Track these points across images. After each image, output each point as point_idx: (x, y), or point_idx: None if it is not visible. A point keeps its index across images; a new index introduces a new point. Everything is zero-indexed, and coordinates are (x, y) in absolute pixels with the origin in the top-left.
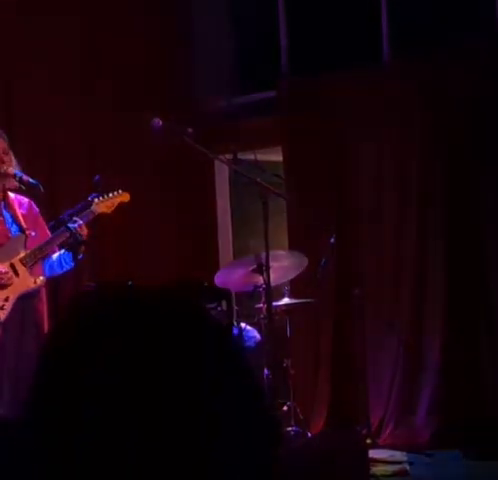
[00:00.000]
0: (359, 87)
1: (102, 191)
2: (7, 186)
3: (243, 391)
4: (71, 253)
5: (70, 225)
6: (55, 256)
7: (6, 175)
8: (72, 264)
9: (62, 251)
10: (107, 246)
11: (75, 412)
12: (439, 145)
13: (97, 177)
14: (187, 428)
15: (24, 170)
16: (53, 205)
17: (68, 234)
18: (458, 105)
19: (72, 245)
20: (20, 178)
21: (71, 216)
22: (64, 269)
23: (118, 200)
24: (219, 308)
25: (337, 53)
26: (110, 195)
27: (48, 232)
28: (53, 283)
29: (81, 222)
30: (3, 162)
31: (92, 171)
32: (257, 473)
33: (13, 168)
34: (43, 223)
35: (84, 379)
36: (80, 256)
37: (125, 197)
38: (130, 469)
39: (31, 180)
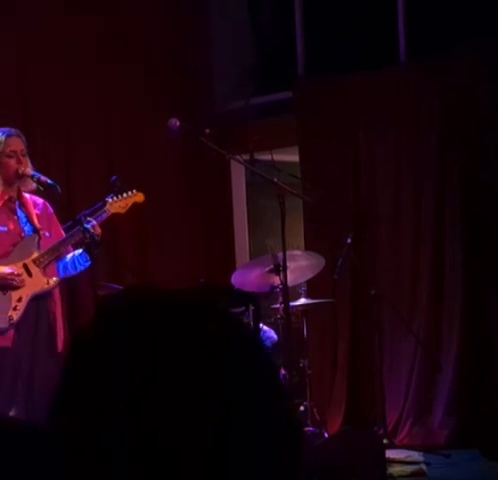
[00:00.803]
0: (376, 88)
1: (119, 191)
2: (24, 188)
3: (269, 393)
4: (88, 254)
5: (85, 226)
6: (69, 257)
7: (23, 176)
8: (86, 265)
9: (76, 252)
10: (123, 246)
11: (102, 416)
12: (456, 146)
13: (114, 177)
14: (212, 431)
15: (41, 171)
16: (70, 206)
17: (82, 234)
18: (475, 107)
19: (90, 245)
20: (38, 179)
21: (93, 214)
22: (78, 270)
23: (132, 200)
24: (246, 312)
25: (354, 54)
26: (124, 195)
27: (62, 233)
28: (70, 283)
29: (95, 222)
30: (21, 163)
31: (109, 172)
32: (282, 474)
33: (30, 169)
34: (57, 223)
35: (111, 383)
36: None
37: (139, 197)
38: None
39: (49, 181)
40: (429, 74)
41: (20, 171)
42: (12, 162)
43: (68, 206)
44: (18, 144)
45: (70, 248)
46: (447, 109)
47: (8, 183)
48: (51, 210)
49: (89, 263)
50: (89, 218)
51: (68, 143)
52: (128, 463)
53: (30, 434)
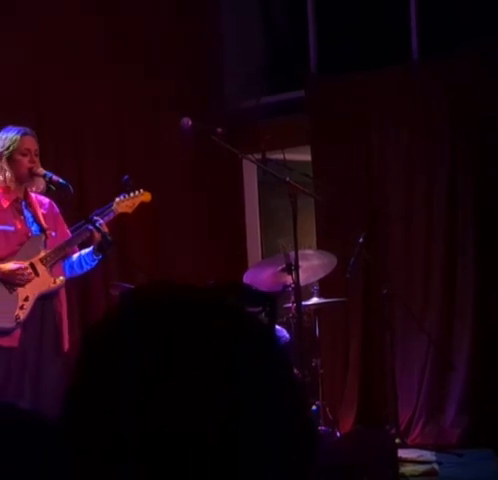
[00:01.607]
0: (388, 86)
1: (130, 191)
2: (31, 188)
3: (280, 391)
4: (100, 253)
5: (91, 226)
6: (75, 256)
7: (35, 175)
8: (93, 264)
9: (83, 251)
10: (135, 245)
11: (111, 414)
12: (468, 144)
13: (126, 177)
14: (221, 429)
15: (53, 170)
16: (82, 205)
17: (88, 234)
18: (487, 105)
19: (102, 245)
20: (50, 178)
21: (101, 214)
22: (84, 269)
23: (139, 200)
24: (264, 312)
25: (366, 52)
26: (131, 195)
27: (68, 232)
28: (82, 283)
29: (101, 221)
30: (34, 162)
31: (121, 171)
32: (292, 473)
33: (42, 169)
34: (63, 223)
35: (121, 381)
36: (101, 257)
37: (146, 197)
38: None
39: (61, 180)
40: (441, 72)
41: (33, 170)
42: (26, 160)
43: (80, 205)
44: (32, 143)
45: (76, 248)
46: (459, 107)
47: (19, 181)
48: (57, 210)
49: (96, 263)
50: (95, 218)
51: (80, 143)
52: (135, 462)
53: (32, 426)
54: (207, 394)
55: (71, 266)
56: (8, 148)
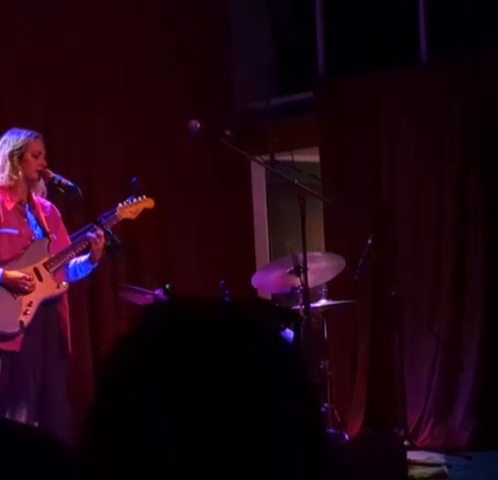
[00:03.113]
0: (396, 87)
1: (139, 193)
2: (34, 192)
3: (294, 406)
4: (93, 262)
5: (88, 234)
6: (71, 263)
7: (45, 177)
8: (87, 273)
9: (78, 259)
10: (143, 247)
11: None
12: (478, 145)
13: (134, 179)
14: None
15: (61, 173)
16: (90, 208)
17: (87, 243)
18: (497, 104)
19: (110, 248)
20: (59, 181)
21: (106, 218)
22: (78, 277)
23: (142, 206)
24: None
25: (374, 53)
26: (134, 201)
27: (68, 238)
28: (91, 285)
29: (100, 232)
30: (44, 165)
31: (129, 173)
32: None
33: (51, 171)
34: (64, 228)
35: (146, 395)
36: (95, 265)
37: (149, 203)
38: None
39: (70, 183)
40: (450, 73)
41: (43, 172)
42: (36, 162)
43: (88, 208)
44: (42, 147)
45: (73, 254)
46: (468, 107)
47: (28, 182)
48: (58, 214)
49: (90, 271)
50: (95, 227)
51: (88, 145)
52: (154, 472)
53: (29, 439)
54: (221, 405)
55: (67, 273)
56: (20, 148)
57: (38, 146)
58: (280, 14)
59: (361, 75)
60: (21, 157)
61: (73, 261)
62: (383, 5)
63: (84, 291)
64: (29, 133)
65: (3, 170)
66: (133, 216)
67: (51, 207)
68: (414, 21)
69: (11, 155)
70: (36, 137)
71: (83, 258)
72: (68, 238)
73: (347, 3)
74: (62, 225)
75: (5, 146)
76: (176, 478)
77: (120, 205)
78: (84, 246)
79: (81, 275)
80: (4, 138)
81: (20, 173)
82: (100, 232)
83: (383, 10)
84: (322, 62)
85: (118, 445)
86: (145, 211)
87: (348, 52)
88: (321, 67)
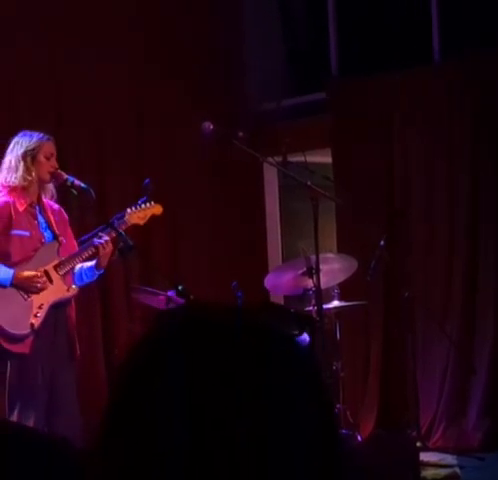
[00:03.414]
0: (409, 87)
1: (151, 195)
2: (44, 194)
3: (309, 414)
4: (99, 268)
5: (95, 240)
6: (77, 268)
7: (58, 178)
8: (92, 279)
9: (84, 265)
10: (156, 249)
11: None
12: (491, 144)
13: (147, 181)
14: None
15: (74, 175)
16: (103, 209)
17: (93, 249)
18: None
19: (123, 249)
20: (72, 183)
21: (118, 220)
22: (83, 282)
23: (150, 212)
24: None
25: (387, 53)
26: (142, 206)
27: (75, 242)
28: (103, 286)
29: (107, 238)
30: (56, 167)
31: (141, 174)
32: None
33: (64, 173)
34: (71, 232)
35: (162, 401)
36: (101, 271)
37: (157, 209)
38: None
39: (83, 185)
40: (463, 73)
41: (55, 173)
42: (48, 164)
43: (101, 210)
44: (53, 149)
45: (81, 259)
46: (480, 107)
47: (40, 183)
48: (66, 217)
49: (96, 277)
50: (101, 233)
51: (100, 146)
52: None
53: (34, 441)
54: (235, 409)
55: (73, 278)
56: (33, 150)
57: (50, 148)
58: (292, 15)
59: (373, 75)
60: (34, 158)
61: (79, 266)
62: (395, 5)
63: (96, 293)
64: (41, 135)
65: (17, 170)
66: (141, 222)
67: (60, 210)
68: (427, 21)
69: (24, 156)
70: (48, 139)
71: (89, 263)
72: (75, 242)
73: (359, 3)
74: (69, 229)
75: (18, 147)
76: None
77: (129, 210)
78: (92, 251)
79: (87, 280)
80: (16, 139)
81: (33, 174)
82: (107, 238)
83: (395, 10)
84: (334, 63)
85: (131, 450)
86: (153, 217)
87: (360, 53)
88: (333, 68)
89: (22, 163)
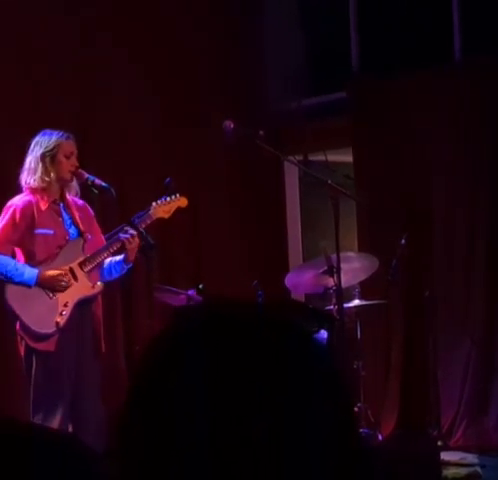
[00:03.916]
0: (430, 86)
1: (173, 193)
2: (67, 192)
3: (327, 413)
4: (128, 262)
5: (121, 235)
6: (106, 262)
7: (77, 177)
8: (122, 273)
9: (113, 259)
10: (177, 247)
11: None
12: None
13: (168, 180)
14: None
15: (94, 173)
16: (124, 208)
17: (119, 244)
18: None
19: (144, 248)
20: (93, 182)
21: (139, 218)
22: (113, 277)
23: (176, 205)
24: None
25: (408, 52)
26: (167, 199)
27: (102, 236)
28: (126, 285)
29: (133, 232)
30: (76, 165)
31: (162, 173)
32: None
33: (85, 172)
34: (97, 227)
35: (182, 397)
36: (130, 265)
37: (183, 202)
38: None
39: (103, 184)
40: (484, 72)
41: (76, 172)
42: (69, 163)
43: (121, 209)
44: (74, 147)
45: (108, 254)
46: None
47: (61, 183)
48: (92, 212)
49: (124, 271)
50: (126, 228)
51: (121, 145)
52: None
53: (47, 442)
54: (255, 405)
55: (102, 273)
56: (52, 149)
57: (70, 147)
58: (313, 14)
59: (394, 74)
60: (53, 158)
61: (108, 261)
62: (416, 3)
63: (118, 291)
64: (61, 134)
65: (35, 172)
66: (166, 215)
67: (84, 206)
68: (448, 19)
69: (43, 157)
70: (68, 138)
71: (118, 258)
72: (102, 237)
73: (381, 2)
74: (96, 224)
75: (37, 148)
76: (211, 478)
77: (154, 204)
78: (118, 246)
79: (115, 275)
80: (36, 139)
81: (52, 175)
82: (133, 232)
83: (417, 8)
84: (355, 62)
85: (149, 446)
86: (179, 210)
87: (381, 52)
88: (354, 66)
89: (41, 164)
